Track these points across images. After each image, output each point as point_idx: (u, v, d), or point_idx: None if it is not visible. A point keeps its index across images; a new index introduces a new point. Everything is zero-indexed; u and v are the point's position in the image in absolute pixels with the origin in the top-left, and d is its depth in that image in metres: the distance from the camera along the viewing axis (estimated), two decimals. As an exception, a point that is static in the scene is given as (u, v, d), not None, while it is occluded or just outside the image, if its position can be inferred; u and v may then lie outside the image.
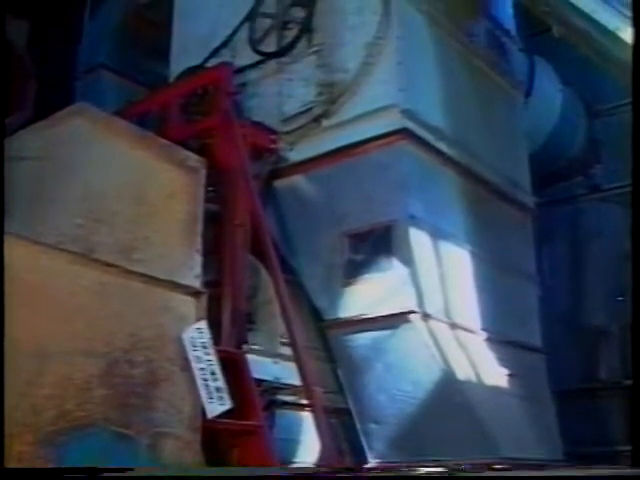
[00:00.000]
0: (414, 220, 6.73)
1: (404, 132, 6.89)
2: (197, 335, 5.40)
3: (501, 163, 8.30)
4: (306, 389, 6.10)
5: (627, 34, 6.15)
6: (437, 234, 7.04)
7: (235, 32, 8.01)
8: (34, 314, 4.59)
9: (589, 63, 7.70)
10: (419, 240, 6.78)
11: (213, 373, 5.35)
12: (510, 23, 9.64)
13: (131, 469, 4.48)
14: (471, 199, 7.68)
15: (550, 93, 10.39)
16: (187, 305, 5.53)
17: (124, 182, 5.76)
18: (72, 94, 10.04)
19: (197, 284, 5.66)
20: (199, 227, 5.91)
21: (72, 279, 4.92)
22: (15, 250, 4.58)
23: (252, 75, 7.73)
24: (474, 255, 7.50)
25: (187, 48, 8.47)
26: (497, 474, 5.42)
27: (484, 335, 7.34)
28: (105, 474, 4.25)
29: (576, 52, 7.67)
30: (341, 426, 6.85)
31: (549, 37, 7.51)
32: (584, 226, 10.96)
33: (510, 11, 9.64)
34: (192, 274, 5.70)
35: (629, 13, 6.17)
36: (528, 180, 8.96)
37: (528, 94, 9.66)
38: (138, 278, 5.29)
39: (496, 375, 7.19)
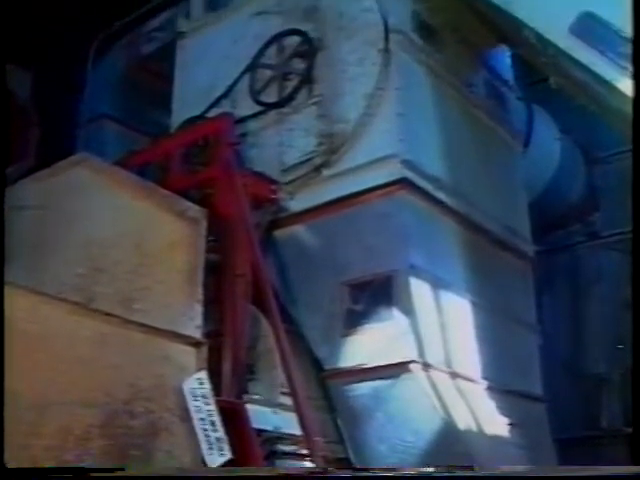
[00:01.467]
0: (414, 270, 6.75)
1: (404, 182, 6.94)
2: (197, 385, 5.39)
3: (500, 212, 8.33)
4: (306, 439, 6.06)
5: (624, 84, 6.19)
6: (437, 284, 7.04)
7: (236, 83, 8.10)
8: (34, 364, 4.60)
9: (587, 111, 7.73)
10: (419, 290, 6.79)
11: (213, 424, 5.33)
12: (508, 73, 9.73)
13: (121, 469, 4.47)
14: (471, 248, 7.70)
15: (548, 142, 10.46)
16: (187, 355, 5.53)
17: (125, 232, 5.79)
18: (74, 143, 10.10)
19: (198, 334, 5.67)
20: (200, 277, 5.93)
21: (72, 329, 4.93)
22: (15, 300, 4.59)
23: (253, 125, 7.80)
24: (474, 304, 7.50)
25: (188, 98, 8.58)
26: (494, 474, 5.40)
27: (485, 384, 7.32)
28: (92, 474, 4.24)
29: (574, 101, 7.72)
30: (342, 476, 6.81)
31: (547, 86, 7.54)
32: (584, 273, 10.98)
33: (508, 61, 9.73)
34: (193, 324, 5.71)
35: (626, 64, 6.22)
36: (527, 228, 8.99)
37: (527, 143, 9.72)
38: (138, 328, 5.29)
39: (497, 424, 7.16)
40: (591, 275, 10.87)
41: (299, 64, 7.74)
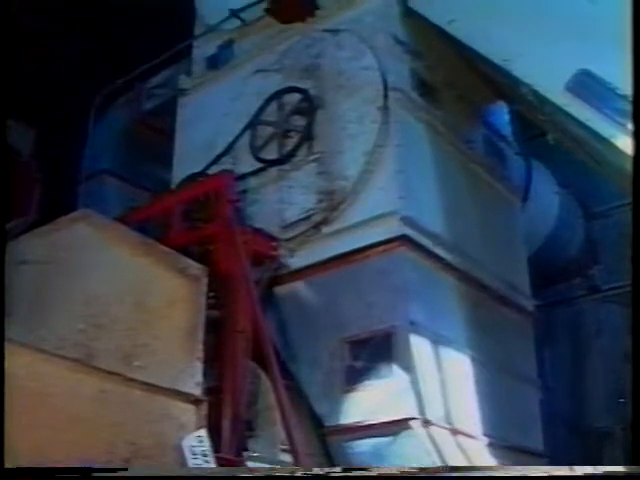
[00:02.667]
0: (414, 326, 6.74)
1: (404, 239, 6.96)
2: (197, 443, 5.38)
3: (500, 267, 8.34)
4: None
5: (621, 140, 6.26)
6: (437, 340, 7.03)
7: (236, 140, 8.17)
8: (34, 422, 4.59)
9: (585, 166, 7.81)
10: (419, 346, 6.78)
11: (213, 482, 5.31)
12: (507, 129, 9.81)
13: (124, 469, 4.45)
14: (471, 304, 7.70)
15: (547, 196, 10.51)
16: (187, 413, 5.53)
17: (125, 288, 5.82)
18: (76, 199, 10.16)
19: (198, 392, 5.67)
20: (200, 334, 5.95)
21: (72, 387, 4.94)
22: (15, 358, 4.60)
23: (253, 182, 7.85)
24: (475, 360, 7.48)
25: (189, 155, 8.67)
26: (493, 473, 5.36)
27: (486, 441, 7.28)
28: (96, 474, 4.23)
29: (572, 156, 7.80)
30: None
31: (545, 141, 7.62)
32: (584, 327, 10.97)
33: (506, 117, 9.81)
34: (193, 381, 5.72)
35: (622, 120, 6.29)
36: (527, 283, 8.99)
37: (525, 198, 9.77)
38: (138, 386, 5.30)
39: (498, 481, 7.11)
40: (591, 328, 10.86)
41: (299, 121, 7.81)
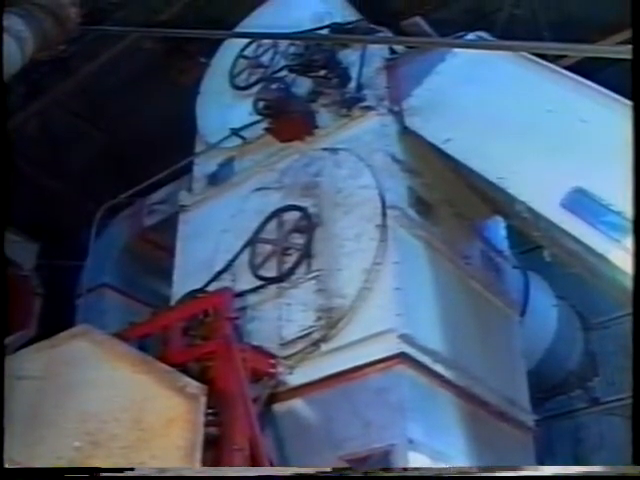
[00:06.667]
0: (413, 444, 6.67)
1: (402, 356, 6.95)
2: None
3: (499, 383, 8.31)
4: None
5: (615, 255, 6.34)
6: (436, 457, 6.94)
7: (236, 257, 8.23)
8: None
9: (582, 278, 7.86)
10: (418, 464, 6.71)
11: None
12: (503, 243, 9.90)
13: (131, 469, 4.40)
14: (470, 420, 7.64)
15: (545, 309, 10.55)
16: (184, 536, 5.47)
17: (123, 406, 5.83)
18: (76, 313, 10.21)
19: (195, 513, 5.63)
20: (198, 454, 5.92)
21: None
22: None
23: (252, 299, 7.87)
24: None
25: (189, 271, 8.73)
26: (495, 474, 5.24)
27: None
28: (104, 474, 4.18)
29: (568, 268, 7.86)
30: None
31: (542, 253, 7.71)
32: (585, 440, 10.88)
33: (503, 232, 9.92)
34: (190, 503, 5.67)
35: (616, 236, 6.38)
36: (527, 398, 8.94)
37: (524, 312, 9.81)
38: (134, 508, 5.25)
39: None
40: (592, 442, 10.77)
41: (298, 239, 7.88)
